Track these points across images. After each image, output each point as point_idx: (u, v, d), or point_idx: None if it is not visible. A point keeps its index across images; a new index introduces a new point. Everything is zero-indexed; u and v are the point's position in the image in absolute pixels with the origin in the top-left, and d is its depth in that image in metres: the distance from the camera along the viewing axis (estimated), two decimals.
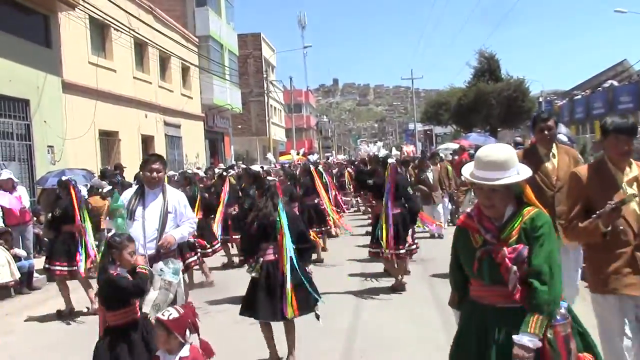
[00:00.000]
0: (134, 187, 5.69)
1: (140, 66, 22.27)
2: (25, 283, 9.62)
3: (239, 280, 9.63)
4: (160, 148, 23.28)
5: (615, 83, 33.18)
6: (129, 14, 19.54)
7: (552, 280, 2.87)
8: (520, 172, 3.01)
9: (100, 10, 16.83)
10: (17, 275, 9.19)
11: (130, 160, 18.88)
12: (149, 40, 21.59)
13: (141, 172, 5.59)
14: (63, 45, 16.04)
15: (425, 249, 11.07)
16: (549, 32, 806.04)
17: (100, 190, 11.26)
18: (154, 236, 5.28)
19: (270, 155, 20.11)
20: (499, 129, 38.25)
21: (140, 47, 22.10)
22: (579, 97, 36.94)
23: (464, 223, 3.17)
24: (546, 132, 5.21)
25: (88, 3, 16.18)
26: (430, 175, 13.51)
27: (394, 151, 14.97)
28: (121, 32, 18.98)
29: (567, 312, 2.97)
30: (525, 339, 2.77)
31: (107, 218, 5.34)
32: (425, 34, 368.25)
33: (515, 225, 2.97)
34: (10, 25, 13.85)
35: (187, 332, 3.66)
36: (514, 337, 2.80)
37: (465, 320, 3.17)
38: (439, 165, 14.21)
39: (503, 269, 2.90)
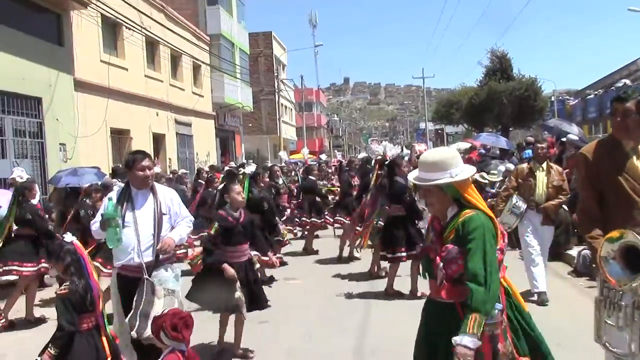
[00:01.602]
0: (116, 189, 5.08)
1: (152, 64, 22.34)
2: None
3: None
4: (171, 146, 23.37)
5: (629, 82, 32.87)
6: (141, 12, 19.61)
7: (488, 281, 2.98)
8: (456, 175, 3.11)
9: (112, 9, 16.90)
10: None
11: None
12: (161, 38, 21.65)
13: (129, 174, 4.95)
14: (75, 43, 16.11)
15: None
16: (562, 31, 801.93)
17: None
18: (149, 242, 4.77)
19: (282, 154, 20.11)
20: (510, 128, 38.08)
21: (152, 46, 22.17)
22: (592, 96, 36.72)
23: (430, 220, 3.42)
24: (619, 119, 3.71)
25: (100, 2, 16.24)
26: None
27: (405, 150, 14.83)
28: (133, 30, 19.04)
29: (499, 312, 3.07)
30: (466, 339, 2.89)
31: (97, 226, 4.75)
32: (437, 33, 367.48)
33: (453, 226, 3.13)
34: (23, 23, 13.93)
35: (163, 335, 3.46)
36: (455, 338, 2.91)
37: (422, 309, 3.41)
38: None
39: (435, 266, 3.11)
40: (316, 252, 12.30)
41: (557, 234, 9.90)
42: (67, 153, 15.25)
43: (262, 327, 6.15)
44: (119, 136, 19.05)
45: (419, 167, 3.26)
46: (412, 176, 3.33)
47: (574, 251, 9.52)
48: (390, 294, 8.21)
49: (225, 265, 5.59)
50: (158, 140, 22.28)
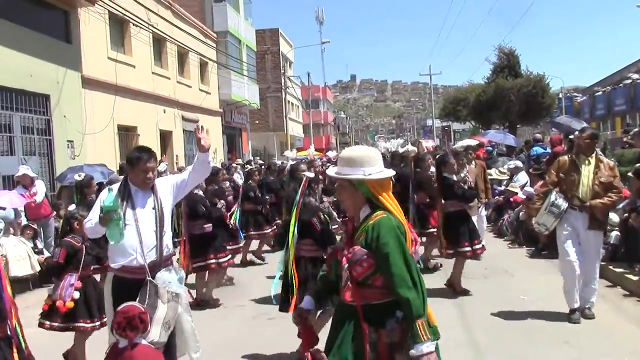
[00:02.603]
0: (116, 186, 4.72)
1: (159, 61, 22.38)
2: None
3: (257, 277, 9.72)
4: (178, 143, 23.41)
5: (638, 79, 32.73)
6: (148, 9, 19.64)
7: (417, 283, 2.97)
8: (368, 174, 3.07)
9: (120, 6, 16.94)
10: (37, 269, 9.30)
11: None
12: (168, 35, 21.68)
13: (131, 170, 4.68)
14: (83, 40, 16.15)
15: None
16: (570, 27, 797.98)
17: None
18: (152, 242, 4.48)
19: (288, 152, 20.10)
20: (518, 125, 37.89)
21: (159, 43, 22.20)
22: (600, 93, 36.55)
23: (344, 221, 3.53)
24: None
25: None
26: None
27: (410, 147, 14.78)
28: (140, 27, 19.08)
29: (400, 318, 3.01)
30: (423, 348, 2.89)
31: (93, 223, 4.46)
32: (444, 30, 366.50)
33: (364, 228, 3.07)
34: (31, 20, 13.97)
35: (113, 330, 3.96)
36: (412, 352, 2.89)
37: (334, 312, 3.34)
38: (474, 164, 10.65)
39: (341, 268, 3.07)
40: None
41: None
42: (74, 150, 15.31)
43: (269, 324, 6.17)
44: (127, 133, 19.10)
45: (338, 162, 3.25)
46: (332, 171, 3.27)
47: None
48: (458, 291, 8.12)
49: None
50: (165, 137, 22.33)
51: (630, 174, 8.99)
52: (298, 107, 54.66)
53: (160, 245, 4.50)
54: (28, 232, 10.00)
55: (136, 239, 4.42)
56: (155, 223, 4.51)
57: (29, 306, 8.41)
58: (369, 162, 3.11)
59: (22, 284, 9.23)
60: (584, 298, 6.62)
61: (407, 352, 2.95)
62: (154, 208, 4.55)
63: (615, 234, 8.82)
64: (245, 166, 18.10)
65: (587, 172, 6.53)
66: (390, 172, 3.20)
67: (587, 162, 6.57)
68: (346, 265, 3.03)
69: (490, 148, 20.54)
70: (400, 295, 2.93)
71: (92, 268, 5.99)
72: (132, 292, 4.35)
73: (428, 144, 25.98)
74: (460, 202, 8.24)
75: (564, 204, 6.51)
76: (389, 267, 2.95)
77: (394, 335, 3.00)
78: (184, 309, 4.59)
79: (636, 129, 12.80)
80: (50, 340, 5.85)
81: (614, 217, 9.05)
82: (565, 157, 6.80)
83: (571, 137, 12.18)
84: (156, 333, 4.26)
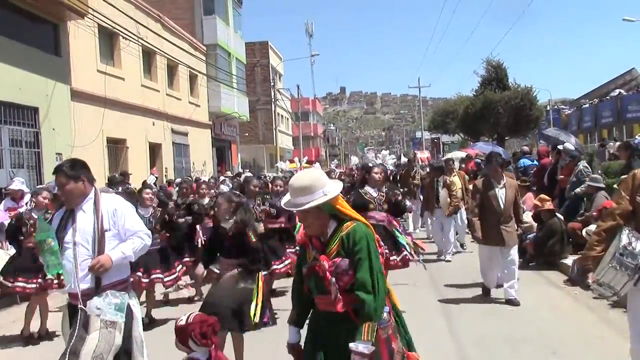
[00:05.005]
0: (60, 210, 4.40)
1: (148, 74, 22.39)
2: None
3: None
4: (167, 156, 23.39)
5: (624, 92, 33.09)
6: (138, 22, 19.68)
7: (376, 289, 3.17)
8: (328, 193, 3.24)
9: (109, 19, 16.96)
10: None
11: (138, 168, 18.97)
12: (157, 48, 21.72)
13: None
14: (72, 53, 16.16)
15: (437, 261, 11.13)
16: (557, 40, 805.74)
17: None
18: (88, 265, 4.07)
19: (281, 164, 20.07)
20: (506, 138, 38.15)
21: (149, 56, 22.23)
22: (587, 105, 36.84)
23: (300, 240, 3.56)
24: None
25: (97, 12, 16.30)
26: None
27: (402, 159, 14.87)
28: (130, 40, 19.11)
29: (388, 315, 3.31)
30: (361, 347, 3.07)
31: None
32: (433, 42, 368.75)
33: (336, 240, 3.26)
34: (20, 33, 13.98)
35: (191, 343, 3.61)
36: (351, 345, 3.09)
37: (309, 326, 3.43)
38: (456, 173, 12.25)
39: (326, 282, 3.19)
40: None
41: (552, 243, 9.96)
42: None
43: (258, 338, 6.14)
44: (116, 146, 19.06)
45: (290, 192, 3.32)
46: (285, 202, 3.37)
47: (569, 260, 9.53)
48: None
49: None
50: (154, 149, 22.30)
51: (616, 185, 9.09)
52: (288, 119, 54.74)
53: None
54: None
55: (72, 262, 4.08)
56: (92, 245, 4.12)
57: (15, 320, 8.36)
58: (322, 183, 3.27)
59: (8, 299, 9.12)
60: None
61: (395, 340, 3.27)
62: (93, 228, 4.15)
63: None
64: (235, 179, 18.09)
65: None
66: (339, 184, 3.41)
67: None
68: (334, 280, 3.17)
69: (478, 160, 20.65)
70: (358, 296, 3.15)
71: None
72: (75, 318, 4.07)
73: (423, 154, 26.10)
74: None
75: None
76: (356, 270, 3.18)
77: (387, 329, 3.27)
78: (137, 348, 4.16)
79: (611, 143, 12.94)
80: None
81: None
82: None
83: (559, 147, 12.35)
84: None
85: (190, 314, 3.75)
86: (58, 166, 4.27)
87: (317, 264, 3.24)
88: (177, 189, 13.04)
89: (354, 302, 3.18)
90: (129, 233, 4.22)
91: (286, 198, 3.39)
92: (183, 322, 3.67)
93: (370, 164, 11.20)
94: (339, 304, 3.18)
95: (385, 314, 3.27)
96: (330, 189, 3.27)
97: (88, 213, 4.18)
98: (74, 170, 4.20)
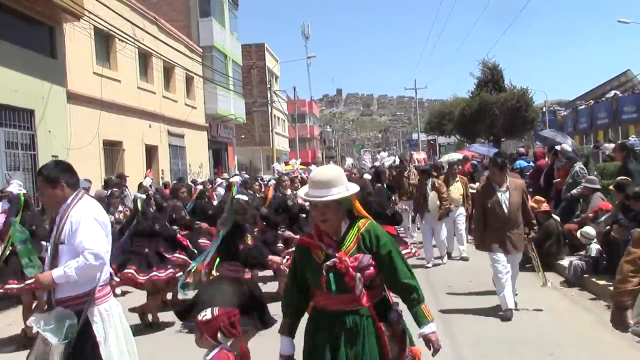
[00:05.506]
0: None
1: (145, 76, 22.37)
2: None
3: None
4: (164, 158, 23.36)
5: (619, 93, 33.22)
6: (134, 24, 19.65)
7: (413, 273, 3.38)
8: (349, 189, 3.30)
9: (105, 21, 16.93)
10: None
11: (134, 170, 18.93)
12: (154, 50, 21.69)
13: None
14: (68, 55, 16.12)
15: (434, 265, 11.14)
16: (553, 42, 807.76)
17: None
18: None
19: (277, 165, 20.06)
20: (502, 139, 38.17)
21: (145, 58, 22.20)
22: (583, 107, 36.97)
23: (304, 242, 3.44)
24: None
25: (93, 14, 16.27)
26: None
27: (392, 158, 14.86)
28: (126, 42, 19.08)
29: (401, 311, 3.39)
30: (433, 326, 3.30)
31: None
32: (429, 44, 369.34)
33: (353, 237, 3.31)
34: (16, 36, 13.95)
35: (219, 335, 3.63)
36: (422, 330, 3.27)
37: (313, 333, 3.37)
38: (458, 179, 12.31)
39: (348, 278, 3.21)
40: None
41: (549, 245, 9.97)
42: None
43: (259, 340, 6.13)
44: (112, 148, 19.03)
45: (311, 185, 3.31)
46: (304, 193, 3.36)
47: (565, 261, 9.55)
48: None
49: None
50: (151, 151, 22.27)
51: (611, 187, 9.12)
52: (284, 121, 54.74)
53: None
54: None
55: (42, 270, 3.96)
56: (49, 258, 3.92)
57: (12, 324, 8.35)
58: (344, 179, 3.33)
59: (5, 301, 9.10)
60: None
61: (398, 342, 3.30)
62: (54, 242, 3.91)
63: (595, 247, 8.92)
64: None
65: None
66: (356, 186, 3.41)
67: None
68: (358, 275, 3.21)
69: (475, 162, 20.72)
70: (408, 284, 3.31)
71: None
72: None
73: (420, 155, 26.08)
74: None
75: None
76: (393, 263, 3.30)
77: (395, 325, 3.32)
78: None
79: (605, 144, 12.97)
80: None
81: (590, 230, 9.19)
82: None
83: (557, 148, 12.37)
84: None
85: (212, 309, 3.76)
86: (39, 169, 4.07)
87: (338, 260, 3.23)
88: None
89: (376, 296, 3.31)
90: (78, 250, 3.81)
91: (304, 190, 3.40)
92: (209, 316, 3.67)
93: (363, 170, 11.33)
94: (364, 298, 3.23)
95: (400, 308, 3.40)
96: (351, 185, 3.34)
97: (61, 222, 3.92)
98: (54, 174, 3.94)
